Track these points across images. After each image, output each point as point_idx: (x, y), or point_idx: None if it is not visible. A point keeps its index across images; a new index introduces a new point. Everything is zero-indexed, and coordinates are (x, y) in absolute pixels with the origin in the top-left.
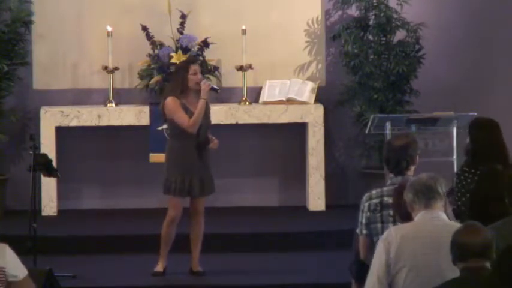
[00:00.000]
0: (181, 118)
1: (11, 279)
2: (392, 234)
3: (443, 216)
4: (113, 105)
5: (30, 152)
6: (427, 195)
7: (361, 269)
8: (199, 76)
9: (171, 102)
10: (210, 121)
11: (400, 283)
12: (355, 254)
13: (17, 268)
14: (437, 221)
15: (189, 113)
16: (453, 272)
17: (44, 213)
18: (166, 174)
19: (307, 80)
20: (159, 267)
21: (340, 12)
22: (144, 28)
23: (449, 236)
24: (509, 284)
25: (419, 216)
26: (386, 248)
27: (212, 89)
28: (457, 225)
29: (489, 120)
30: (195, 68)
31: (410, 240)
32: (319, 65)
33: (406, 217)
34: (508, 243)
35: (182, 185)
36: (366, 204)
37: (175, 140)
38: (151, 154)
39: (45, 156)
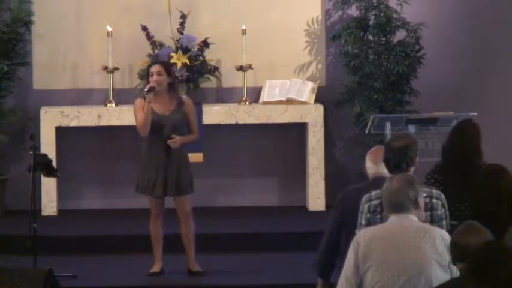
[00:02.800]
0: (136, 120)
1: None
2: (362, 236)
3: (414, 218)
4: (113, 105)
5: (30, 152)
6: (397, 208)
7: (327, 267)
8: (155, 78)
9: (135, 103)
10: (177, 121)
11: (367, 282)
12: (322, 251)
13: None
14: (407, 222)
15: (152, 114)
16: (418, 270)
17: (44, 213)
18: (137, 172)
19: (307, 80)
20: (155, 268)
21: (340, 12)
22: (144, 28)
23: (414, 236)
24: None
25: (391, 218)
26: (355, 249)
27: (148, 90)
28: (426, 225)
29: (472, 124)
30: (151, 70)
31: (378, 241)
32: (319, 65)
33: None
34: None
35: (147, 183)
36: (366, 206)
37: (143, 139)
38: None
39: (45, 156)
